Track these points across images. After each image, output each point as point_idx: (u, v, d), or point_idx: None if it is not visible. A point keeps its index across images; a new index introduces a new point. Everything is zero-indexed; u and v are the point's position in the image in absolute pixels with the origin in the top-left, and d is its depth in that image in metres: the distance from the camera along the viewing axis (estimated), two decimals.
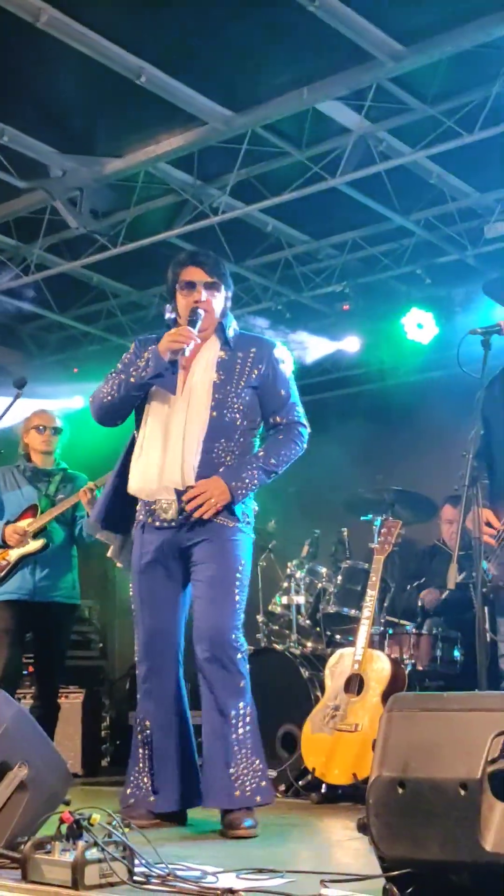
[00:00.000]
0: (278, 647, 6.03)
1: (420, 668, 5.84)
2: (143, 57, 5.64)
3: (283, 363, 4.21)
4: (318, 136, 6.41)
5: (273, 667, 5.77)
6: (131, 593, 4.22)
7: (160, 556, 4.09)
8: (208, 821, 4.16)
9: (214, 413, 4.03)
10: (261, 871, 2.85)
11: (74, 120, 6.44)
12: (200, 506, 3.96)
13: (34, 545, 5.56)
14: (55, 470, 5.86)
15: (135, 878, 2.70)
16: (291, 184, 6.72)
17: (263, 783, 3.89)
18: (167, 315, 4.32)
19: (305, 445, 4.18)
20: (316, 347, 8.51)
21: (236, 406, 4.06)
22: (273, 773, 5.42)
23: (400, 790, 2.24)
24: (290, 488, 7.24)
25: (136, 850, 2.75)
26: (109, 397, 4.18)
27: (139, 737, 4.15)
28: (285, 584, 6.28)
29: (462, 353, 4.11)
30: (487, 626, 4.37)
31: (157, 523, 4.07)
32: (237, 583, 4.00)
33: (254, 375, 4.11)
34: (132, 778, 4.13)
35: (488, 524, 4.05)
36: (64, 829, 2.73)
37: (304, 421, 4.19)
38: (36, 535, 5.57)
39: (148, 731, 4.10)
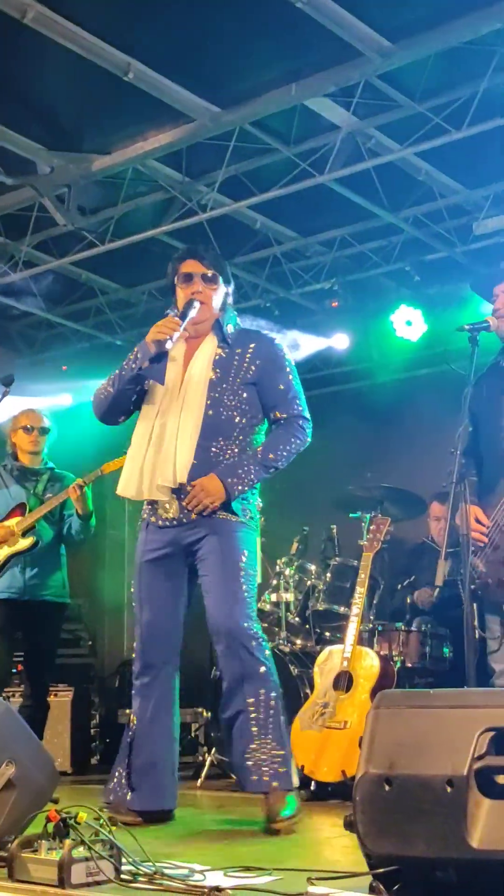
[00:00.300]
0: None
1: (409, 665, 5.84)
2: (131, 53, 5.62)
3: (283, 357, 4.19)
4: (307, 132, 6.40)
5: None
6: (132, 590, 4.21)
7: (163, 555, 4.09)
8: (197, 819, 4.18)
9: (211, 412, 4.02)
10: (248, 869, 2.84)
11: (62, 116, 6.41)
12: (197, 505, 3.96)
13: (23, 543, 5.55)
14: (43, 469, 5.85)
15: (122, 876, 2.69)
16: (280, 180, 6.71)
17: (283, 769, 3.88)
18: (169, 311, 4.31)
19: (309, 439, 4.16)
20: (305, 345, 8.50)
21: (233, 404, 4.05)
22: None
23: (386, 787, 2.24)
24: (278, 485, 7.24)
25: (123, 848, 2.74)
26: (105, 393, 4.23)
27: (128, 733, 4.16)
28: (274, 582, 6.28)
29: (451, 348, 4.12)
30: (476, 622, 4.38)
31: (161, 522, 4.08)
32: (242, 573, 3.99)
33: (251, 372, 4.09)
34: (115, 773, 4.15)
35: (477, 521, 4.05)
36: (51, 827, 2.73)
37: (307, 414, 4.16)
38: (25, 534, 5.56)
39: (140, 727, 4.10)
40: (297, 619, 6.18)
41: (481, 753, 2.18)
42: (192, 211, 7.05)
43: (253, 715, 3.89)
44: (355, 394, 9.18)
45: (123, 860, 2.74)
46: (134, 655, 4.19)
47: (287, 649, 5.91)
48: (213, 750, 5.85)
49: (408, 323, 7.98)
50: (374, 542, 5.66)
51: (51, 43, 5.44)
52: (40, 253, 7.93)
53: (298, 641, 6.15)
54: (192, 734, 6.87)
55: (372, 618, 5.93)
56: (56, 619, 5.78)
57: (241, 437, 4.06)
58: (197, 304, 4.08)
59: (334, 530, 6.49)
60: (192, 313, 4.06)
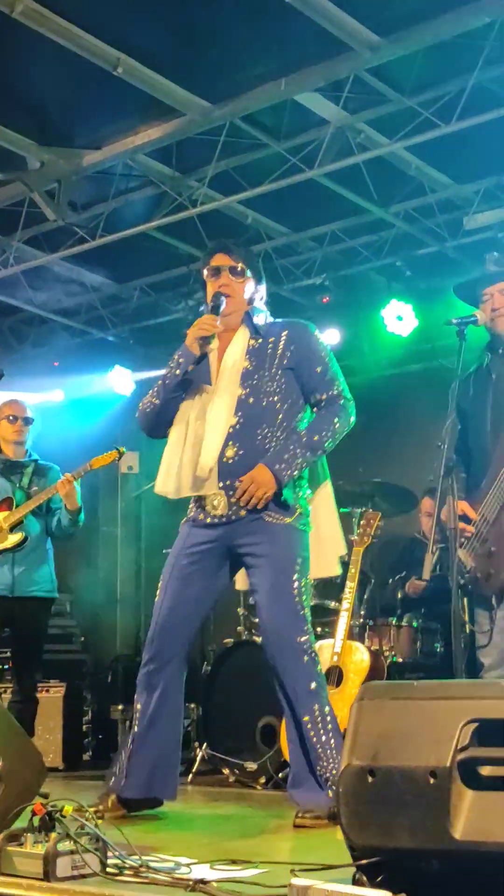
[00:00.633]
0: (258, 639, 6.01)
1: (400, 659, 5.86)
2: (121, 48, 5.62)
3: (317, 341, 4.15)
4: (297, 127, 6.42)
5: (253, 659, 5.76)
6: (161, 579, 4.11)
7: (205, 551, 4.02)
8: (187, 813, 4.18)
9: (251, 400, 3.97)
10: (234, 862, 2.84)
11: (52, 111, 6.42)
12: (249, 498, 3.89)
13: (12, 539, 5.50)
14: (27, 461, 5.80)
15: (107, 869, 2.68)
16: (270, 175, 6.71)
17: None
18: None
19: (353, 418, 4.10)
20: None
21: (272, 389, 3.99)
22: (253, 766, 5.44)
23: (370, 779, 2.24)
24: None
25: (108, 841, 2.74)
26: (150, 406, 4.15)
27: (132, 722, 4.10)
28: None
29: (442, 345, 4.12)
30: (467, 617, 4.38)
31: (209, 519, 4.00)
32: (295, 585, 3.91)
33: (287, 358, 4.04)
34: (118, 762, 4.12)
35: (465, 516, 4.06)
36: (36, 820, 2.72)
37: (348, 394, 4.11)
38: (13, 529, 5.52)
39: (146, 716, 4.03)
40: None
41: (464, 745, 2.18)
42: (182, 206, 7.05)
43: (312, 733, 3.84)
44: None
45: (109, 853, 2.73)
46: (146, 642, 4.11)
47: None
48: (205, 745, 5.86)
49: (399, 318, 7.98)
50: (365, 536, 5.67)
51: (40, 38, 5.45)
52: (31, 248, 7.92)
53: None
54: (184, 729, 6.87)
55: (363, 613, 5.94)
56: (44, 615, 5.76)
57: (284, 423, 4.00)
58: (224, 298, 4.03)
59: None
60: (222, 307, 4.02)
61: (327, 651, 5.27)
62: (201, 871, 2.69)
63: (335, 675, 5.18)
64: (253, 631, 6.35)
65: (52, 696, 6.94)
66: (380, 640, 5.87)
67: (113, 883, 2.60)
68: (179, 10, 5.38)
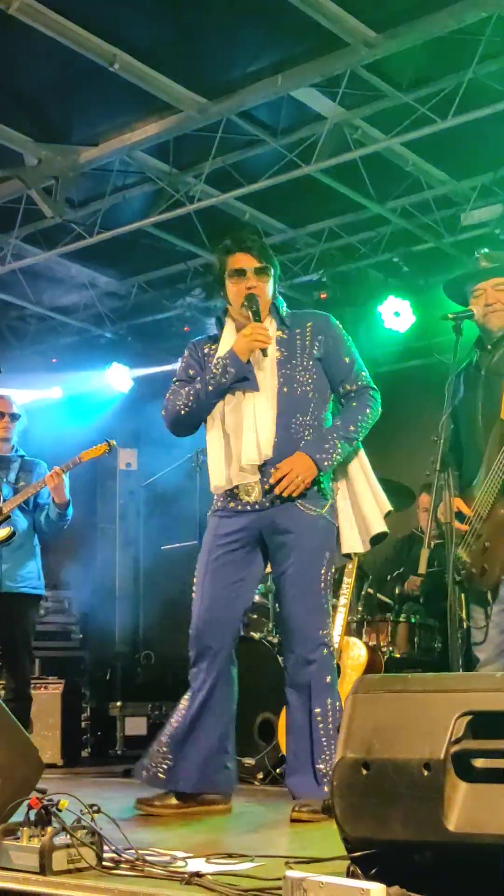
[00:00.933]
0: (255, 635, 6.03)
1: (398, 655, 5.87)
2: (117, 44, 5.62)
3: (342, 331, 4.17)
4: (293, 123, 6.43)
5: (250, 655, 5.75)
6: (196, 575, 4.08)
7: (237, 540, 3.99)
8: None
9: (285, 389, 3.97)
10: (230, 855, 2.85)
11: (49, 108, 6.42)
12: (287, 485, 3.89)
13: (0, 534, 5.48)
14: (13, 457, 5.76)
15: (103, 863, 2.69)
16: (267, 171, 6.71)
17: None
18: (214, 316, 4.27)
19: (380, 409, 4.14)
20: None
21: (305, 378, 4.00)
22: (251, 761, 5.44)
23: (364, 771, 2.24)
24: None
25: (104, 836, 2.75)
26: (187, 409, 4.07)
27: (180, 714, 4.03)
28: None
29: (439, 339, 4.13)
30: (464, 613, 4.38)
31: (240, 507, 3.98)
32: (323, 579, 3.93)
33: (316, 347, 4.05)
34: (156, 751, 4.04)
35: (459, 513, 4.06)
36: (32, 815, 2.73)
37: (374, 385, 4.15)
38: (0, 524, 5.49)
39: (183, 710, 4.01)
40: None
41: (458, 737, 2.18)
42: (179, 202, 7.05)
43: (321, 725, 3.85)
44: None
45: (105, 847, 2.74)
46: (190, 639, 4.06)
47: (275, 640, 5.91)
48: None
49: (396, 314, 7.98)
50: None
51: (36, 34, 5.44)
52: (29, 245, 7.92)
53: None
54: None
55: (360, 609, 5.95)
56: (31, 611, 5.71)
57: (316, 412, 4.02)
58: (258, 302, 3.99)
59: None
60: (260, 313, 3.98)
61: None
62: (197, 865, 2.69)
63: None
64: (250, 627, 6.36)
65: (50, 693, 6.96)
66: (377, 636, 5.88)
67: (109, 876, 2.61)
68: (175, 5, 5.38)
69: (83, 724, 7.65)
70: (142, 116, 6.37)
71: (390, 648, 5.86)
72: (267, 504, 3.95)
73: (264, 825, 3.91)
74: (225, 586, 4.00)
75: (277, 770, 5.28)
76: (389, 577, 6.85)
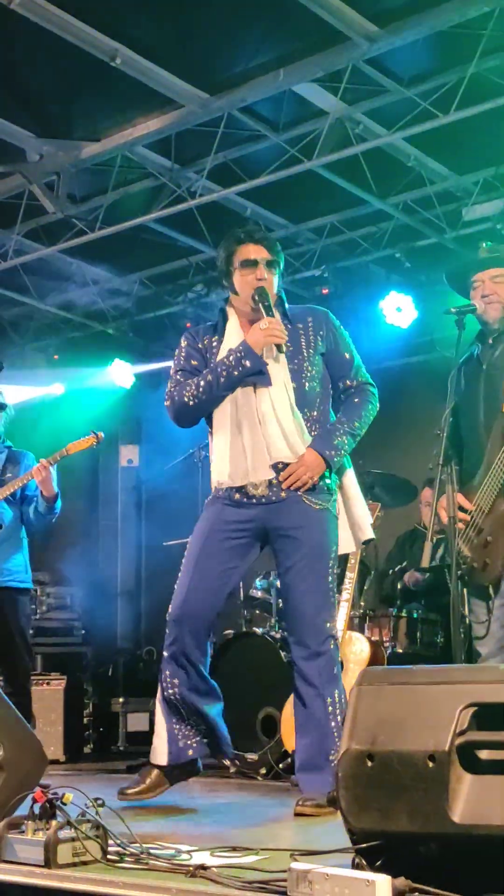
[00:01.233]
0: (258, 630, 6.03)
1: (400, 650, 5.87)
2: (119, 39, 5.60)
3: (342, 328, 4.18)
4: (295, 118, 6.41)
5: (253, 650, 5.78)
6: (187, 553, 4.08)
7: (237, 530, 4.00)
8: (187, 802, 4.20)
9: (294, 384, 3.97)
10: (235, 849, 2.85)
11: (50, 103, 6.40)
12: (295, 480, 3.92)
13: None
14: (0, 448, 5.71)
15: (108, 856, 2.70)
16: (269, 167, 6.70)
17: None
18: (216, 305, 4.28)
19: (378, 405, 4.17)
20: None
21: (312, 373, 4.01)
22: (254, 757, 5.45)
23: (369, 763, 2.25)
24: None
25: (109, 829, 2.75)
26: (196, 400, 4.01)
27: (167, 693, 4.07)
28: (265, 569, 6.29)
29: (441, 334, 4.13)
30: (467, 608, 4.38)
31: (246, 499, 3.97)
32: (329, 572, 3.95)
33: (319, 342, 4.06)
34: (169, 732, 4.10)
35: (461, 508, 4.06)
36: (37, 808, 2.73)
37: (372, 381, 4.18)
38: None
39: (176, 689, 4.04)
40: None
41: (463, 729, 2.19)
42: (181, 198, 7.04)
43: (331, 718, 3.88)
44: None
45: (110, 841, 2.74)
46: (168, 622, 4.07)
47: (277, 635, 5.91)
48: None
49: (398, 309, 7.98)
50: None
51: (38, 29, 5.42)
52: (31, 241, 7.91)
53: None
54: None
55: (362, 604, 5.95)
56: (21, 604, 5.64)
57: (322, 407, 4.04)
58: (268, 295, 3.98)
59: None
60: (270, 304, 3.97)
61: None
62: (201, 858, 2.70)
63: None
64: (252, 623, 6.37)
65: (52, 689, 6.96)
66: (380, 630, 5.88)
67: (114, 870, 2.62)
68: (177, 1, 5.37)
69: (85, 720, 7.66)
70: (143, 112, 6.36)
71: (392, 643, 5.86)
72: (274, 498, 3.95)
73: (268, 819, 3.92)
74: (219, 571, 4.01)
75: (280, 765, 5.29)
76: (391, 571, 6.85)
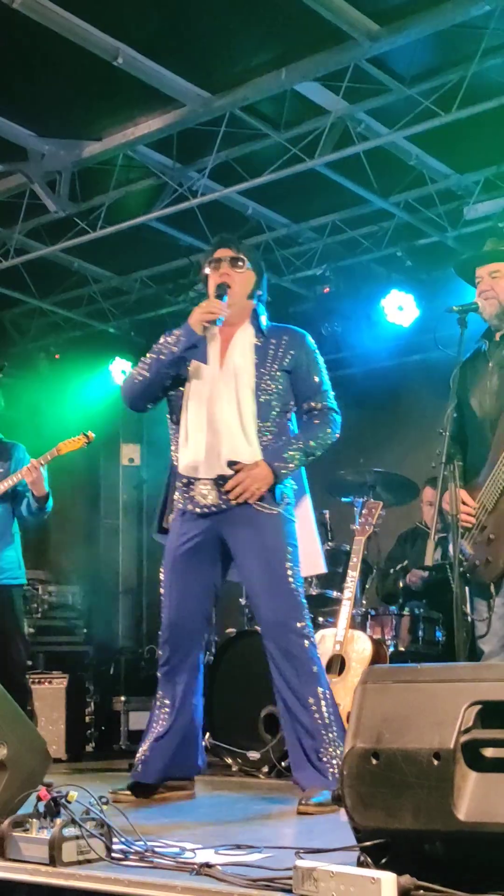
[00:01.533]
0: (260, 629, 6.02)
1: (402, 648, 5.87)
2: (120, 38, 5.60)
3: (316, 351, 4.27)
4: (297, 117, 6.41)
5: (255, 649, 5.74)
6: (162, 578, 4.21)
7: (198, 544, 4.11)
8: (190, 801, 4.21)
9: (251, 396, 4.07)
10: (239, 846, 2.86)
11: (52, 103, 6.39)
12: (241, 492, 3.99)
13: None
14: None
15: (113, 854, 2.70)
16: (271, 166, 6.69)
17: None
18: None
19: (339, 433, 4.23)
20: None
21: (271, 388, 4.10)
22: (256, 755, 5.45)
23: (374, 761, 2.25)
24: None
25: (114, 826, 2.76)
26: (141, 377, 4.21)
27: (156, 710, 4.23)
28: None
29: (442, 332, 4.14)
30: (468, 606, 4.38)
31: (198, 510, 4.08)
32: (289, 569, 4.00)
33: (287, 360, 4.15)
34: (140, 751, 4.24)
35: (463, 503, 4.06)
36: (41, 806, 2.74)
37: (337, 408, 4.25)
38: None
39: (167, 708, 4.18)
40: None
41: (468, 727, 2.20)
42: (183, 197, 7.03)
43: (316, 715, 3.91)
44: (347, 380, 9.15)
45: (114, 839, 2.75)
46: (159, 641, 4.22)
47: None
48: (208, 735, 5.87)
49: (399, 308, 7.99)
50: (367, 526, 5.68)
51: (40, 28, 5.42)
52: (32, 240, 7.91)
53: None
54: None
55: (364, 602, 5.95)
56: (15, 600, 5.66)
57: (277, 422, 4.11)
58: (227, 287, 4.13)
59: (326, 515, 6.50)
60: (226, 297, 4.11)
61: (330, 640, 5.29)
62: (206, 856, 2.70)
63: (338, 664, 5.19)
64: (254, 621, 6.37)
65: (54, 688, 6.96)
66: (382, 629, 5.89)
67: (118, 867, 2.62)
68: (179, 0, 5.37)
69: (87, 718, 7.66)
70: (145, 111, 6.36)
71: (394, 641, 5.87)
72: (224, 507, 4.03)
73: (272, 817, 3.92)
74: (190, 591, 4.13)
75: (283, 763, 5.29)
76: (392, 570, 6.85)
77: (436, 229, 7.66)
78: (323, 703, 3.92)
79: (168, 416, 4.27)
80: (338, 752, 3.85)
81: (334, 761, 3.85)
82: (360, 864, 2.24)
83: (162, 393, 4.23)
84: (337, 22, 5.37)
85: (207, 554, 4.12)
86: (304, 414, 4.22)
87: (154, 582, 4.29)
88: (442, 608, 6.06)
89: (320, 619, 6.05)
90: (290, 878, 2.27)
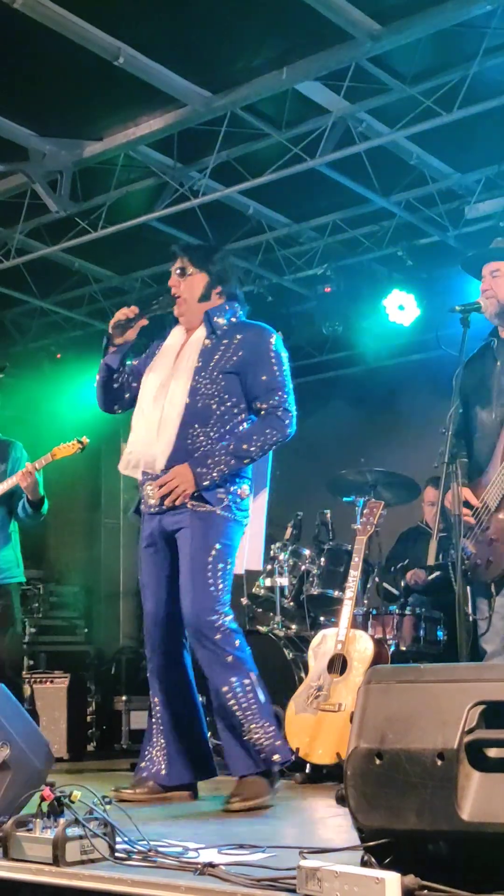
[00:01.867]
0: (262, 629, 6.04)
1: (403, 648, 5.87)
2: (121, 38, 5.60)
3: (270, 349, 4.20)
4: (298, 117, 6.40)
5: (257, 648, 5.71)
6: (140, 578, 4.37)
7: (153, 542, 4.22)
8: (192, 801, 4.21)
9: (188, 399, 4.11)
10: (242, 846, 2.86)
11: (53, 102, 6.38)
12: (170, 494, 4.07)
13: None
14: None
15: (116, 854, 2.70)
16: (272, 165, 6.69)
17: (279, 742, 4.03)
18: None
19: (289, 431, 4.15)
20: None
21: (211, 392, 4.11)
22: None
23: (377, 761, 2.25)
24: (272, 471, 7.27)
25: (117, 826, 2.76)
26: (97, 381, 4.44)
27: (150, 713, 4.30)
28: (269, 567, 6.29)
29: (444, 332, 4.15)
30: (470, 606, 4.39)
31: (149, 510, 4.21)
32: (210, 566, 4.04)
33: (232, 362, 4.14)
34: (145, 752, 4.28)
35: (466, 503, 4.06)
36: (45, 806, 2.74)
37: (289, 406, 4.16)
38: None
39: (158, 708, 4.24)
40: (291, 603, 6.19)
41: (472, 727, 2.20)
42: (184, 197, 7.03)
43: (232, 703, 3.98)
44: (348, 379, 9.19)
45: (118, 838, 2.75)
46: (145, 642, 4.34)
47: (281, 633, 5.93)
48: (209, 735, 5.87)
49: (400, 307, 7.98)
50: (368, 525, 5.67)
51: (40, 28, 5.42)
52: (33, 240, 7.91)
53: (293, 626, 6.17)
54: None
55: (366, 601, 5.95)
56: (13, 599, 5.67)
57: (218, 425, 4.11)
58: (161, 298, 4.33)
59: (328, 515, 6.50)
60: (155, 306, 4.30)
61: (331, 639, 5.28)
62: (209, 856, 2.71)
63: (339, 664, 5.19)
64: (256, 621, 6.38)
65: (56, 687, 6.97)
66: (383, 628, 5.88)
67: (122, 867, 2.62)
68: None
69: (88, 718, 7.68)
70: (146, 111, 6.35)
71: (396, 641, 5.87)
72: (164, 507, 4.12)
73: (273, 816, 3.92)
74: (162, 587, 4.22)
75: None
76: (393, 569, 6.85)
77: (437, 229, 7.66)
78: (239, 691, 3.97)
79: None
80: (262, 733, 3.96)
81: (258, 743, 3.95)
82: (363, 863, 2.24)
83: (120, 395, 4.40)
84: (338, 21, 5.36)
85: (166, 552, 4.20)
86: (256, 414, 4.20)
87: None
88: (443, 607, 6.06)
89: (321, 618, 6.06)
90: (293, 878, 2.27)
